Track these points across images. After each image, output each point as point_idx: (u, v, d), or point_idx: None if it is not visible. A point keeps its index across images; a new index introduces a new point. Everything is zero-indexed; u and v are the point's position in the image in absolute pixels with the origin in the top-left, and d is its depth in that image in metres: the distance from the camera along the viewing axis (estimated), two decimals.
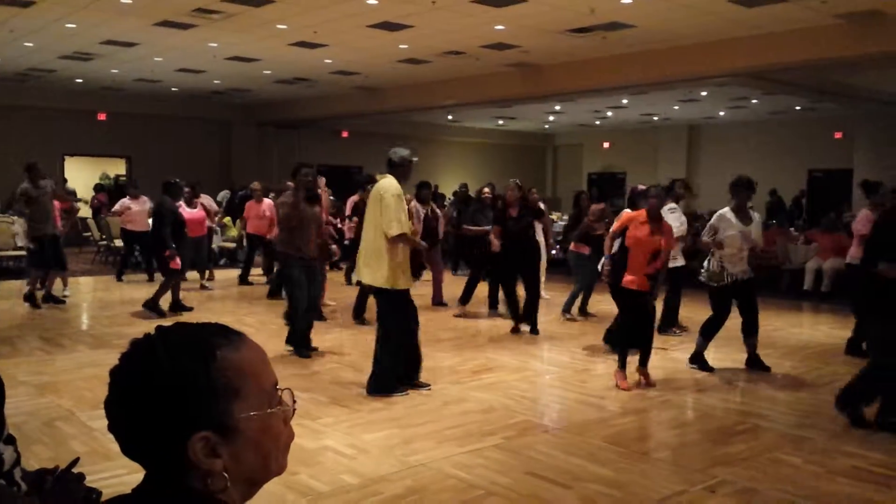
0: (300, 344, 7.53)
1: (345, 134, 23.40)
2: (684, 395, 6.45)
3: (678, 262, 8.34)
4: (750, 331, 7.23)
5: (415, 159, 6.28)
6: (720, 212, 7.25)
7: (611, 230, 6.99)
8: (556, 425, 5.55)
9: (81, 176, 21.38)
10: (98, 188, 20.09)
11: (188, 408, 1.07)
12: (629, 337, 6.72)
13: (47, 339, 8.29)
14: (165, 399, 1.06)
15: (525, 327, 8.97)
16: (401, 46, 13.18)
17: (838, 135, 20.72)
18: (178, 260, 9.55)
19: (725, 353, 7.62)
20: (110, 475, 4.18)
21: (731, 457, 4.92)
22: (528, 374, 7.12)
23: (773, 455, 4.97)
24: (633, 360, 6.69)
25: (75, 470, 1.79)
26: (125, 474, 4.23)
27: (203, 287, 12.09)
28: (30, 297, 10.20)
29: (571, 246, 9.81)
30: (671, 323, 8.83)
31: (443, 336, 8.80)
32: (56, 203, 10.63)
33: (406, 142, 26.87)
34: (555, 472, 4.58)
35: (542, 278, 9.91)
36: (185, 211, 11.37)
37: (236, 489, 1.12)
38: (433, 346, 8.28)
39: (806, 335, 9.29)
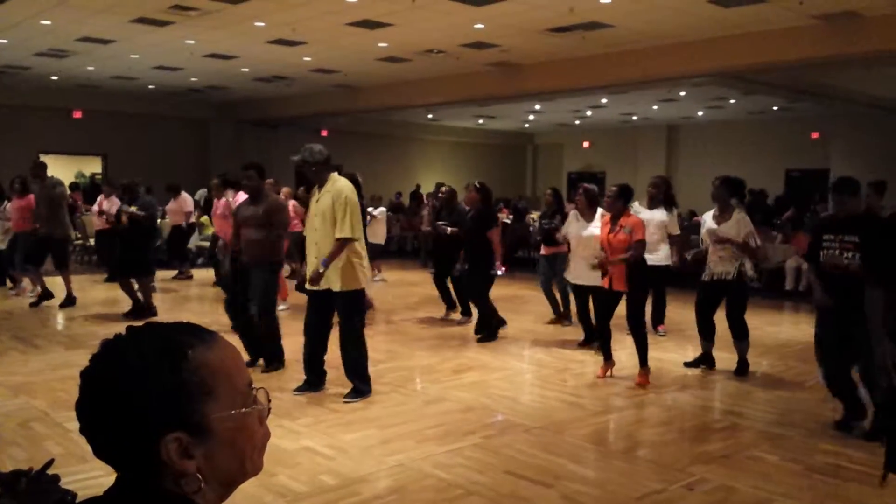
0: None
1: (324, 132, 23.30)
2: (663, 394, 6.47)
3: (660, 260, 8.30)
4: (734, 334, 7.11)
5: (292, 158, 6.18)
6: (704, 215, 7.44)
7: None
8: (536, 424, 5.54)
9: (57, 174, 21.10)
10: (73, 187, 19.89)
11: (159, 408, 1.05)
12: (599, 333, 7.03)
13: (22, 339, 8.18)
14: (136, 400, 1.05)
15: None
16: (380, 45, 13.14)
17: (815, 135, 20.90)
18: None
19: (719, 357, 7.63)
20: (85, 477, 4.13)
21: (709, 455, 4.94)
22: (508, 374, 7.12)
23: (752, 453, 4.99)
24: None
25: (50, 471, 1.77)
26: (101, 476, 4.17)
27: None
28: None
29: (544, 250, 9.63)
30: (658, 321, 8.84)
31: (422, 335, 8.79)
32: (21, 203, 10.63)
33: (386, 140, 26.82)
34: (535, 470, 4.58)
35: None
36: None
37: (211, 490, 1.11)
38: (412, 345, 8.28)
39: (785, 334, 9.35)
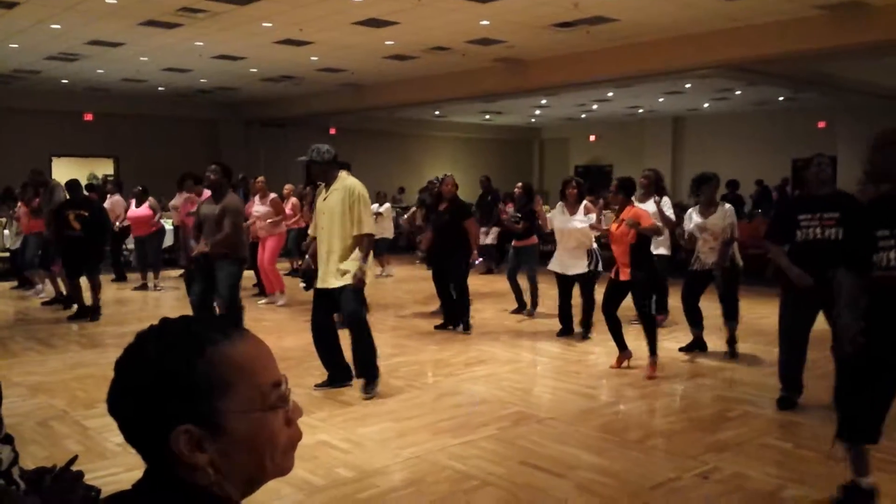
0: None
1: (332, 130, 23.36)
2: (674, 384, 6.51)
3: (660, 250, 8.37)
4: (726, 315, 7.41)
5: (299, 159, 6.26)
6: (690, 209, 7.71)
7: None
8: (549, 415, 5.60)
9: (70, 176, 21.22)
10: (89, 188, 20.02)
11: (173, 400, 1.07)
12: (609, 323, 6.92)
13: (39, 339, 8.27)
14: (151, 390, 1.07)
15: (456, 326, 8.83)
16: (387, 43, 13.18)
17: (822, 124, 20.84)
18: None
19: (715, 340, 7.68)
20: (106, 473, 4.20)
21: (722, 443, 4.97)
22: (521, 366, 7.17)
23: (765, 441, 5.03)
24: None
25: (73, 468, 1.81)
26: (121, 472, 4.25)
27: (145, 287, 12.01)
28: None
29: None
30: (658, 311, 8.90)
31: (433, 329, 8.83)
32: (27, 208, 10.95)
33: (393, 137, 26.78)
34: (549, 461, 4.62)
35: None
36: (132, 210, 12.14)
37: (232, 485, 1.12)
38: (423, 339, 8.33)
39: None
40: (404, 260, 15.94)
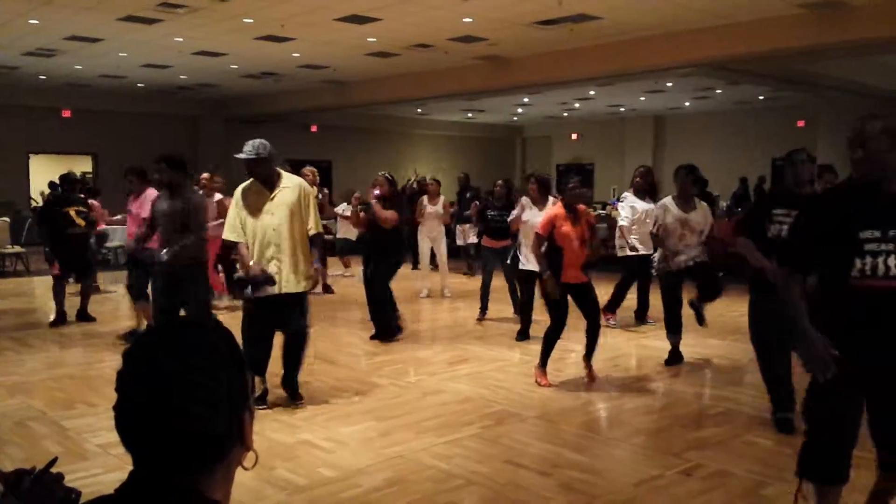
0: None
1: (313, 128, 23.29)
2: (656, 382, 6.53)
3: (643, 250, 8.37)
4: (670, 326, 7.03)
5: (237, 156, 5.63)
6: (662, 200, 7.21)
7: (537, 235, 6.37)
8: (533, 414, 5.59)
9: (47, 174, 21.06)
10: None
11: (240, 388, 1.20)
12: (558, 334, 6.38)
13: (16, 339, 8.18)
14: (224, 381, 1.17)
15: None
16: (369, 39, 13.14)
17: (801, 123, 21.01)
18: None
19: (695, 339, 7.71)
20: (86, 475, 4.15)
21: (704, 440, 4.99)
22: (503, 364, 7.15)
23: (747, 438, 5.05)
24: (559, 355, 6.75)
25: (53, 470, 1.79)
26: (102, 473, 4.20)
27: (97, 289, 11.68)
28: None
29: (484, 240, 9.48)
30: (645, 312, 8.88)
31: (416, 328, 8.81)
32: None
33: (375, 135, 26.69)
34: (532, 459, 4.62)
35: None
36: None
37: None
38: (405, 337, 8.29)
39: None
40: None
